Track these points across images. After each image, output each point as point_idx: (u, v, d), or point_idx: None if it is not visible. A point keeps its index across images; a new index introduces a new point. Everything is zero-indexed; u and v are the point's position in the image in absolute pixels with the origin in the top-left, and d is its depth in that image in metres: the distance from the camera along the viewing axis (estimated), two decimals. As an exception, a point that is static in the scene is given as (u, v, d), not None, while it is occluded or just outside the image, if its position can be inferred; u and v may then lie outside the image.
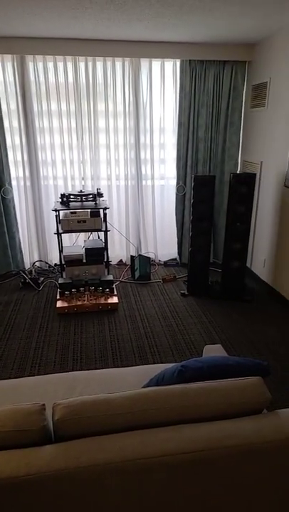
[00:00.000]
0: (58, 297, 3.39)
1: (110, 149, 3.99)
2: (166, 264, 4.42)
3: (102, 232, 3.58)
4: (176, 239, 4.35)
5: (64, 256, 3.55)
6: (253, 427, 1.12)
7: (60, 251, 3.65)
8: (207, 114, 3.89)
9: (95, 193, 3.59)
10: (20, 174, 3.94)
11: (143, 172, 4.11)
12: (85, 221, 3.44)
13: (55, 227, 3.54)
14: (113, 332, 2.96)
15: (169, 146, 4.11)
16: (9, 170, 3.83)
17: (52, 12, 2.64)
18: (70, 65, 3.68)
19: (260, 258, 3.83)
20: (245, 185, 3.19)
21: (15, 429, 1.02)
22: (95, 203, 3.54)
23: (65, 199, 3.50)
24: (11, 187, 3.88)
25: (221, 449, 1.06)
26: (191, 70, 3.74)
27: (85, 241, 3.89)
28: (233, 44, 3.66)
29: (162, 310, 3.32)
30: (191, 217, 3.39)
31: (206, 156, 4.02)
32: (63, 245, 3.77)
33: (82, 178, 4.06)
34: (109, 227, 3.64)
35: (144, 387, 1.50)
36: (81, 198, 3.55)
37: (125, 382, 1.73)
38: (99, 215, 3.47)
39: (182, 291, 3.66)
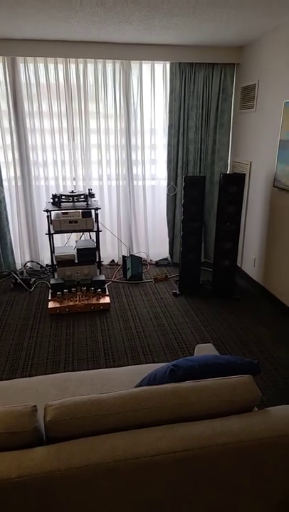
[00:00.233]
0: (49, 298, 3.38)
1: (101, 150, 3.99)
2: (157, 264, 4.43)
3: (94, 233, 3.59)
4: (167, 239, 4.37)
5: (56, 256, 3.54)
6: (244, 425, 1.14)
7: (52, 251, 3.64)
8: (197, 115, 3.92)
9: (87, 193, 3.59)
10: (12, 174, 3.92)
11: (134, 172, 4.12)
12: (76, 221, 3.43)
13: (47, 228, 3.53)
14: (105, 332, 2.97)
15: (159, 147, 4.12)
16: (0, 170, 3.80)
17: (42, 14, 2.63)
18: (60, 67, 3.67)
19: (250, 257, 3.87)
20: (234, 185, 3.23)
21: (6, 431, 1.02)
22: (87, 204, 3.54)
23: (56, 199, 3.50)
24: (2, 187, 3.86)
25: (212, 447, 1.07)
26: (180, 72, 3.77)
27: (76, 241, 3.88)
28: (222, 47, 3.70)
29: (154, 310, 3.34)
30: (182, 217, 3.41)
31: (196, 157, 4.05)
32: (55, 246, 3.76)
33: (74, 179, 4.06)
34: (100, 227, 3.64)
35: (136, 386, 1.51)
36: (73, 199, 3.54)
37: (117, 382, 1.74)
38: (90, 216, 3.47)
39: (174, 291, 3.68)
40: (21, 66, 3.61)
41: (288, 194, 3.09)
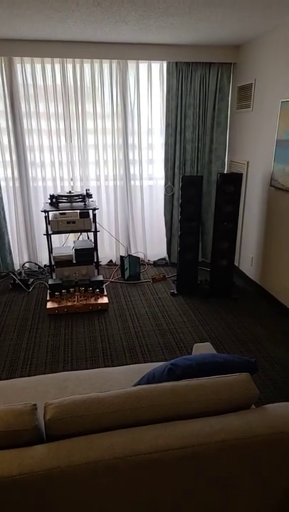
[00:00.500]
0: (48, 298, 3.38)
1: (99, 150, 4.00)
2: (155, 263, 4.45)
3: (92, 233, 3.59)
4: (165, 239, 4.39)
5: (54, 257, 3.54)
6: (242, 422, 1.15)
7: (50, 252, 3.64)
8: (194, 115, 3.94)
9: (84, 193, 3.60)
10: (10, 175, 3.92)
11: (131, 172, 4.13)
12: (74, 222, 3.44)
13: (45, 228, 3.53)
14: (103, 332, 2.98)
15: (157, 146, 4.14)
16: (-3, 171, 3.81)
17: (39, 15, 2.63)
18: (57, 67, 3.68)
19: (247, 257, 3.89)
20: (232, 184, 3.24)
21: (6, 430, 1.03)
22: (84, 204, 3.55)
23: (54, 200, 3.50)
24: (0, 188, 3.86)
25: (210, 444, 1.09)
26: (177, 71, 3.78)
27: (74, 242, 3.89)
28: (218, 46, 3.71)
29: (152, 309, 3.35)
30: (179, 217, 3.42)
31: (193, 157, 4.07)
32: (53, 246, 3.76)
33: (71, 179, 4.06)
34: (98, 227, 3.65)
35: (134, 385, 1.52)
36: (70, 199, 3.55)
37: (116, 381, 1.76)
38: (88, 216, 3.48)
39: (172, 291, 3.69)
40: (18, 66, 3.62)
41: (285, 193, 3.11)
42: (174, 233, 4.29)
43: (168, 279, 4.05)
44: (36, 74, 3.67)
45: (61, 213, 3.45)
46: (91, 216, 3.51)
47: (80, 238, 4.10)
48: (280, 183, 3.13)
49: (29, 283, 3.80)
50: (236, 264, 4.15)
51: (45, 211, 3.43)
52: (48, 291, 3.43)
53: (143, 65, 3.82)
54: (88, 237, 4.09)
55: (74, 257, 3.57)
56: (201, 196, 3.36)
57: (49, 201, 3.55)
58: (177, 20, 2.79)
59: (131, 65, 3.79)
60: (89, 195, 3.61)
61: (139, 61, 3.77)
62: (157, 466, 1.05)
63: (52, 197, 3.51)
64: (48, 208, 3.47)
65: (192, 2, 2.40)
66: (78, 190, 4.07)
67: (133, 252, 4.39)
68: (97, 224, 3.60)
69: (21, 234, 4.14)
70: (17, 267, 4.19)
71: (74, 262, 3.56)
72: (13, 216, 4.06)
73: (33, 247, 4.21)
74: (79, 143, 3.94)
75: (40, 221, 4.12)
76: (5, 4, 2.42)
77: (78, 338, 2.89)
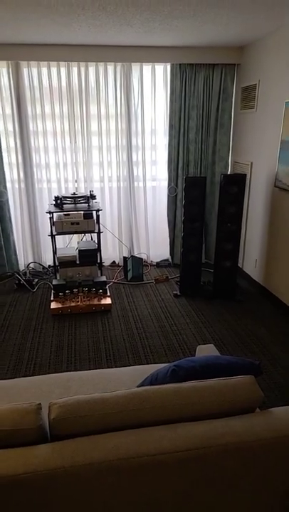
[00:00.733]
0: (52, 298, 3.40)
1: (103, 151, 4.02)
2: (158, 264, 4.45)
3: (95, 234, 3.61)
4: (168, 240, 4.39)
5: (58, 257, 3.56)
6: (246, 425, 1.15)
7: (54, 252, 3.66)
8: (197, 116, 3.94)
9: (88, 195, 3.62)
10: (15, 177, 3.95)
11: (135, 173, 4.14)
12: (78, 223, 3.46)
13: (49, 229, 3.56)
14: (106, 333, 2.99)
15: (160, 147, 4.15)
16: (4, 173, 3.84)
17: (45, 19, 2.66)
18: (63, 70, 3.71)
19: (251, 258, 3.89)
20: (235, 185, 3.25)
21: (12, 428, 1.04)
22: (88, 205, 3.57)
23: (58, 201, 3.52)
24: (6, 189, 3.89)
25: (214, 447, 1.09)
26: (181, 73, 3.79)
27: (78, 242, 3.91)
28: (222, 47, 3.72)
29: (155, 311, 3.36)
30: (182, 217, 3.43)
31: (196, 158, 4.07)
32: (57, 247, 3.79)
33: (76, 181, 4.08)
34: (102, 228, 3.67)
35: (138, 386, 1.53)
36: (74, 200, 3.57)
37: (119, 382, 1.77)
38: (92, 217, 3.49)
39: (175, 292, 3.70)
40: (25, 70, 3.65)
41: (289, 195, 3.11)
42: (177, 234, 4.30)
43: (171, 280, 4.05)
44: (42, 77, 3.69)
45: (65, 214, 3.47)
46: (95, 217, 3.53)
47: (84, 239, 4.12)
48: (284, 184, 3.13)
49: (34, 283, 3.82)
50: (240, 265, 4.15)
51: (49, 212, 3.46)
52: (52, 291, 3.45)
53: (147, 67, 3.84)
54: (92, 238, 4.10)
55: (78, 257, 3.59)
56: (204, 197, 3.36)
57: (54, 202, 3.57)
58: (181, 22, 2.81)
59: (135, 67, 3.80)
60: (93, 197, 3.63)
61: (143, 63, 3.79)
62: (161, 468, 1.06)
63: (57, 198, 3.53)
64: (53, 209, 3.49)
65: (197, 5, 2.41)
66: (82, 191, 4.09)
67: (136, 253, 4.40)
68: (100, 225, 3.62)
69: (26, 235, 4.17)
70: (22, 267, 4.22)
71: (77, 262, 3.58)
72: (18, 217, 4.09)
73: (37, 247, 4.23)
74: (83, 144, 3.96)
75: (44, 222, 4.14)
76: (12, 10, 2.45)
77: (81, 339, 2.90)
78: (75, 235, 3.96)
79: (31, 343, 2.84)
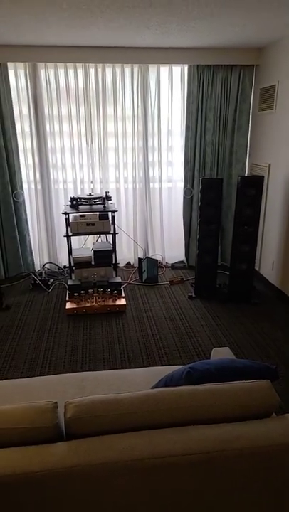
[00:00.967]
0: (67, 299, 3.44)
1: (119, 153, 4.04)
2: (173, 266, 4.44)
3: (111, 235, 3.63)
4: (183, 241, 4.37)
5: (73, 258, 3.60)
6: (262, 430, 1.13)
7: (70, 253, 3.70)
8: (215, 117, 3.92)
9: (104, 196, 3.64)
10: (32, 178, 4.02)
11: (151, 175, 4.15)
12: (93, 224, 3.48)
13: (65, 230, 3.60)
14: (121, 334, 3.00)
15: (176, 149, 4.14)
16: (21, 174, 3.91)
17: (64, 22, 2.70)
18: (80, 72, 3.75)
19: (268, 261, 3.83)
20: (253, 187, 3.21)
21: (29, 426, 1.06)
22: (104, 206, 3.59)
23: (74, 202, 3.56)
24: (23, 190, 3.96)
25: (228, 451, 1.08)
26: (199, 74, 3.78)
27: (93, 243, 3.94)
28: (240, 48, 3.69)
29: (170, 312, 3.35)
30: (198, 219, 3.41)
31: (213, 159, 4.05)
32: (72, 248, 3.82)
33: (91, 182, 4.12)
34: (117, 229, 3.68)
35: (152, 388, 1.53)
36: (90, 202, 3.60)
37: (134, 383, 1.77)
38: (107, 218, 3.51)
39: (190, 294, 3.68)
40: (42, 72, 3.71)
41: (307, 197, 3.05)
42: (193, 236, 4.28)
43: (186, 282, 4.03)
44: (59, 78, 3.75)
45: (81, 215, 3.50)
46: (110, 218, 3.55)
47: (99, 240, 4.15)
48: (302, 187, 3.07)
49: (49, 283, 3.87)
50: (256, 268, 4.09)
51: (65, 213, 3.50)
52: (67, 291, 3.49)
53: (164, 69, 3.84)
54: (107, 239, 4.13)
55: (93, 258, 3.62)
56: (221, 199, 3.34)
57: (69, 203, 3.61)
58: (199, 24, 2.80)
59: (152, 68, 3.81)
60: (108, 198, 3.65)
61: (161, 65, 3.80)
62: (174, 470, 1.05)
63: (72, 199, 3.57)
64: (69, 210, 3.53)
65: (214, 6, 2.40)
66: (98, 192, 4.12)
67: (151, 255, 4.40)
68: (115, 226, 3.63)
69: (42, 235, 4.23)
70: (38, 267, 4.28)
71: (93, 263, 3.61)
72: (34, 218, 4.15)
73: (53, 248, 4.29)
74: (99, 145, 3.99)
75: (60, 223, 4.19)
76: (32, 13, 2.49)
77: (96, 339, 2.92)
78: (90, 235, 3.99)
79: (46, 343, 2.88)
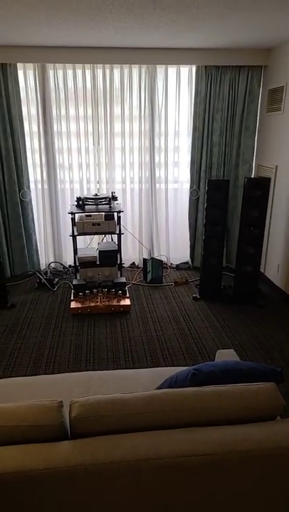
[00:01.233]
0: (71, 298, 3.45)
1: (125, 153, 4.05)
2: (178, 267, 4.44)
3: (116, 235, 3.64)
4: (188, 242, 4.37)
5: (78, 258, 3.61)
6: (267, 433, 1.13)
7: (75, 253, 3.71)
8: (222, 118, 3.91)
9: (110, 196, 3.65)
10: (39, 177, 4.04)
11: (157, 175, 4.15)
12: (99, 224, 3.49)
13: (71, 230, 3.61)
14: (125, 334, 3.00)
15: (183, 149, 4.14)
16: (28, 173, 3.93)
17: (72, 23, 2.71)
18: (88, 72, 3.76)
19: (274, 263, 3.81)
20: (259, 189, 3.19)
21: (34, 424, 1.06)
22: (110, 207, 3.60)
23: (80, 202, 3.57)
24: (29, 190, 3.98)
25: (233, 453, 1.07)
26: (206, 75, 3.77)
27: (98, 243, 3.94)
28: (248, 49, 3.68)
29: (174, 313, 3.35)
30: (204, 220, 3.40)
31: (220, 160, 4.04)
32: (78, 247, 3.84)
33: (98, 182, 4.13)
34: (122, 230, 3.69)
35: (157, 389, 1.53)
36: (96, 202, 3.61)
37: (138, 383, 1.77)
38: (113, 218, 3.52)
39: (194, 295, 3.67)
40: (51, 72, 3.73)
41: (314, 199, 3.03)
42: (198, 237, 4.27)
43: (190, 283, 4.02)
44: (67, 79, 3.76)
45: (87, 215, 3.51)
46: (116, 218, 3.55)
47: (104, 240, 4.15)
48: (309, 189, 3.05)
49: (54, 282, 3.89)
50: (262, 270, 4.07)
51: (71, 213, 3.51)
52: (72, 291, 3.50)
53: (172, 69, 3.84)
54: (112, 239, 4.13)
55: (98, 258, 3.62)
56: (227, 200, 3.33)
57: (76, 203, 3.62)
58: (208, 24, 2.79)
59: (160, 69, 3.82)
60: (114, 198, 3.66)
61: (168, 65, 3.80)
62: (179, 471, 1.05)
63: (79, 199, 3.58)
64: (75, 209, 3.54)
65: (223, 7, 2.39)
66: (104, 192, 4.13)
67: (156, 255, 4.40)
68: (121, 226, 3.64)
69: (48, 234, 4.24)
70: (43, 266, 4.30)
71: (98, 263, 3.61)
72: (41, 217, 4.17)
73: (58, 247, 4.30)
74: (106, 145, 4.00)
75: (66, 222, 4.21)
76: (42, 14, 2.51)
77: (100, 339, 2.92)
78: (95, 235, 4.00)
79: (51, 342, 2.89)
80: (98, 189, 4.14)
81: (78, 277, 3.66)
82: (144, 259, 4.08)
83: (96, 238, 4.26)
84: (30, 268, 4.19)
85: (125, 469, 1.02)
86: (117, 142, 4.02)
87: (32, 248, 4.15)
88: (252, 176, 4.11)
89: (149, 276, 4.01)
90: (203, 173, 4.05)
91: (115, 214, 3.55)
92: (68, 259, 4.37)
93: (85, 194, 3.98)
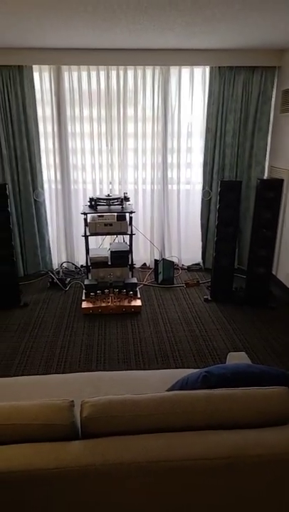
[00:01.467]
0: (83, 298, 3.47)
1: (138, 154, 4.06)
2: (189, 268, 4.42)
3: (128, 236, 3.65)
4: (200, 243, 4.35)
5: (90, 258, 3.63)
6: (279, 438, 1.11)
7: (87, 253, 3.74)
8: (235, 119, 3.88)
9: (122, 197, 3.66)
10: (52, 178, 4.08)
11: (169, 176, 4.15)
12: (111, 224, 3.51)
13: (83, 230, 3.64)
14: (136, 335, 3.00)
15: (196, 150, 4.13)
16: (42, 174, 3.98)
17: (89, 25, 2.73)
18: (102, 73, 3.79)
19: (286, 265, 3.76)
20: (272, 190, 3.16)
21: (46, 423, 1.07)
22: (122, 207, 3.61)
23: (93, 203, 3.60)
24: (43, 190, 4.03)
25: (245, 457, 1.07)
26: (220, 76, 3.75)
27: (110, 244, 3.96)
28: (263, 50, 3.64)
29: (185, 315, 3.34)
30: (216, 222, 3.38)
31: (232, 161, 4.01)
32: (90, 247, 3.86)
33: (110, 183, 4.15)
34: (134, 230, 3.70)
35: (167, 390, 1.53)
36: (108, 202, 3.63)
37: (149, 384, 1.77)
38: (125, 219, 3.53)
39: (205, 297, 3.65)
40: (66, 74, 3.77)
41: None
42: (210, 238, 4.25)
43: (202, 284, 4.01)
44: (82, 80, 3.80)
45: (99, 216, 3.53)
46: (128, 219, 3.56)
47: (116, 240, 4.17)
48: None
49: (66, 282, 3.92)
50: (274, 272, 4.02)
51: (84, 213, 3.53)
52: (84, 291, 3.52)
53: (185, 70, 3.84)
54: (124, 240, 4.15)
55: (109, 258, 3.64)
56: (239, 202, 3.30)
57: (88, 204, 3.64)
58: (223, 25, 2.78)
59: (173, 70, 3.82)
60: (126, 199, 3.67)
61: (182, 66, 3.79)
62: (191, 474, 1.05)
63: (91, 199, 3.61)
64: (87, 210, 3.57)
65: (239, 8, 2.38)
66: (116, 193, 4.15)
67: (167, 256, 4.39)
68: (133, 227, 3.65)
69: (61, 234, 4.29)
70: (55, 266, 4.34)
71: (109, 263, 3.63)
72: (54, 217, 4.21)
73: (71, 247, 4.34)
74: (119, 146, 4.02)
75: (78, 222, 4.24)
76: (58, 16, 2.54)
77: (111, 339, 2.93)
78: (107, 236, 4.02)
79: (62, 341, 2.91)
80: (111, 190, 4.16)
81: (90, 277, 3.68)
82: (155, 260, 4.08)
83: (108, 238, 4.28)
84: (42, 268, 4.24)
85: (136, 471, 1.03)
86: (130, 143, 4.03)
87: (45, 248, 4.20)
88: (265, 178, 4.07)
89: (161, 277, 4.01)
90: (215, 174, 4.03)
91: (127, 214, 3.56)
92: (80, 259, 4.40)
93: (98, 195, 4.00)
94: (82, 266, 4.38)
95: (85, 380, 1.81)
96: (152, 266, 4.42)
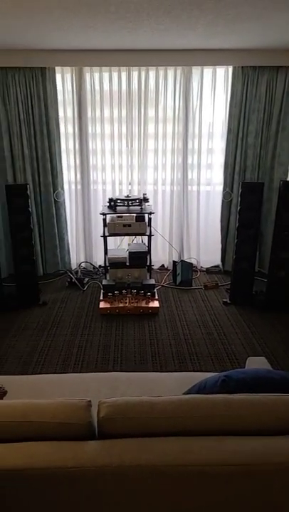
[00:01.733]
0: (101, 298, 3.49)
1: (158, 154, 4.05)
2: (208, 270, 4.37)
3: (146, 237, 3.64)
4: (219, 246, 4.29)
5: (108, 258, 3.65)
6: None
7: (105, 253, 3.75)
8: (258, 120, 3.81)
9: (141, 197, 3.66)
10: (72, 178, 4.13)
11: (189, 177, 4.12)
12: (130, 225, 3.51)
13: (102, 230, 3.66)
14: (153, 336, 2.99)
15: (217, 151, 4.08)
16: (62, 174, 4.03)
17: (111, 26, 2.75)
18: (124, 74, 3.80)
19: (309, 269, 3.65)
20: (296, 193, 3.08)
21: (63, 422, 1.08)
22: (141, 208, 3.61)
23: (112, 203, 3.61)
24: (63, 190, 4.08)
25: (265, 465, 1.04)
26: (243, 76, 3.70)
27: (129, 244, 3.97)
28: (287, 49, 3.56)
29: (203, 317, 3.30)
30: (237, 224, 3.33)
31: (254, 163, 3.94)
32: (108, 248, 3.88)
33: (130, 183, 4.16)
34: (153, 231, 3.69)
35: (185, 393, 1.51)
36: (127, 203, 3.63)
37: (165, 387, 1.75)
38: (144, 220, 3.53)
39: (224, 300, 3.60)
40: (87, 75, 3.80)
41: None
42: (230, 240, 4.18)
43: (221, 287, 3.95)
44: (103, 81, 3.82)
45: (118, 216, 3.54)
46: (147, 220, 3.56)
47: (135, 241, 4.17)
48: None
49: (84, 282, 3.95)
50: (295, 276, 3.92)
51: (103, 214, 3.55)
52: (102, 291, 3.54)
53: (207, 70, 3.80)
54: (142, 241, 4.14)
55: (128, 259, 3.64)
56: (261, 203, 3.24)
57: (107, 204, 3.66)
58: (246, 25, 2.73)
59: (195, 70, 3.79)
60: (146, 200, 3.67)
61: (204, 67, 3.76)
62: (208, 479, 1.03)
63: (110, 200, 3.62)
64: (106, 210, 3.59)
65: (263, 7, 2.33)
66: (136, 193, 4.15)
67: (186, 258, 4.36)
68: (151, 228, 3.64)
69: (80, 235, 4.32)
70: (74, 266, 4.38)
71: (127, 264, 3.63)
72: (73, 217, 4.26)
73: (89, 247, 4.37)
74: (139, 147, 4.02)
75: (97, 223, 4.26)
76: (81, 18, 2.56)
77: (128, 340, 2.93)
78: (126, 236, 4.04)
79: (80, 340, 2.93)
80: (130, 190, 4.17)
81: (108, 278, 3.69)
82: (173, 261, 4.06)
83: (126, 239, 4.28)
84: (61, 267, 4.29)
85: (152, 473, 1.01)
86: (150, 144, 4.03)
87: (64, 248, 4.25)
88: (288, 179, 3.97)
89: (179, 279, 3.98)
90: (236, 175, 3.97)
91: (146, 215, 3.56)
92: (98, 260, 4.42)
93: (117, 195, 4.02)
94: (100, 266, 4.40)
95: (101, 379, 1.81)
96: (170, 267, 4.39)
